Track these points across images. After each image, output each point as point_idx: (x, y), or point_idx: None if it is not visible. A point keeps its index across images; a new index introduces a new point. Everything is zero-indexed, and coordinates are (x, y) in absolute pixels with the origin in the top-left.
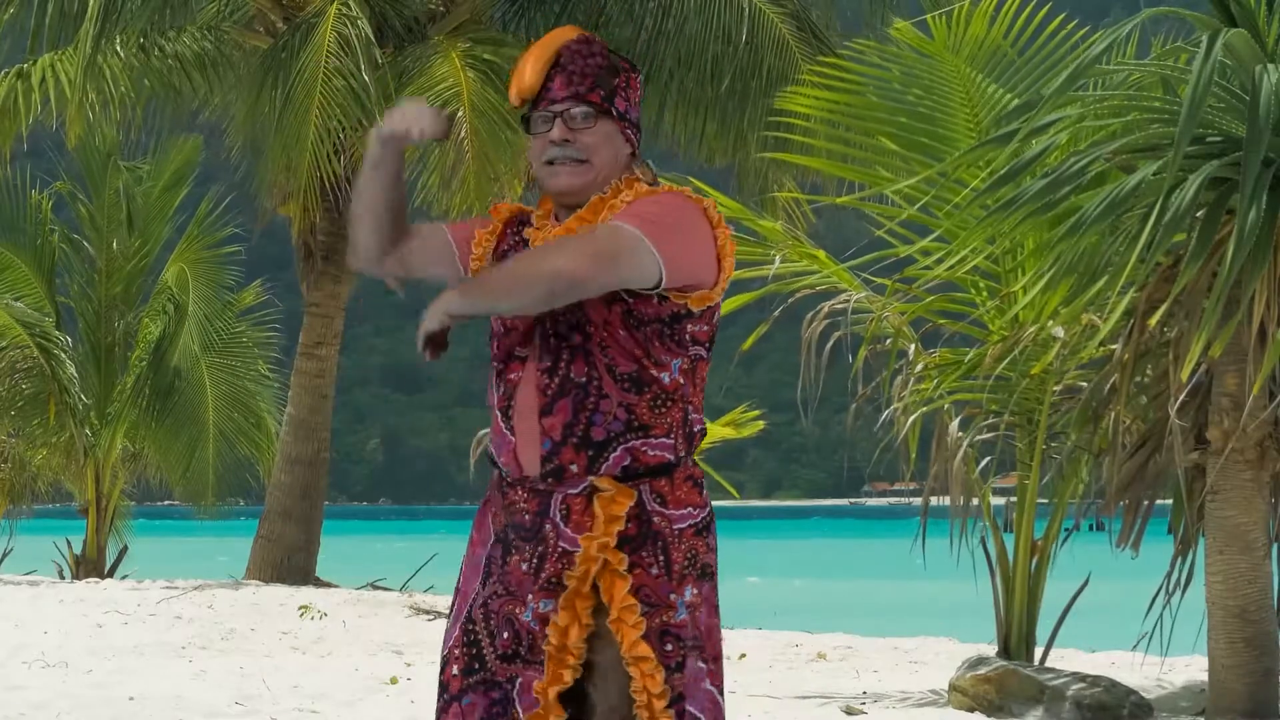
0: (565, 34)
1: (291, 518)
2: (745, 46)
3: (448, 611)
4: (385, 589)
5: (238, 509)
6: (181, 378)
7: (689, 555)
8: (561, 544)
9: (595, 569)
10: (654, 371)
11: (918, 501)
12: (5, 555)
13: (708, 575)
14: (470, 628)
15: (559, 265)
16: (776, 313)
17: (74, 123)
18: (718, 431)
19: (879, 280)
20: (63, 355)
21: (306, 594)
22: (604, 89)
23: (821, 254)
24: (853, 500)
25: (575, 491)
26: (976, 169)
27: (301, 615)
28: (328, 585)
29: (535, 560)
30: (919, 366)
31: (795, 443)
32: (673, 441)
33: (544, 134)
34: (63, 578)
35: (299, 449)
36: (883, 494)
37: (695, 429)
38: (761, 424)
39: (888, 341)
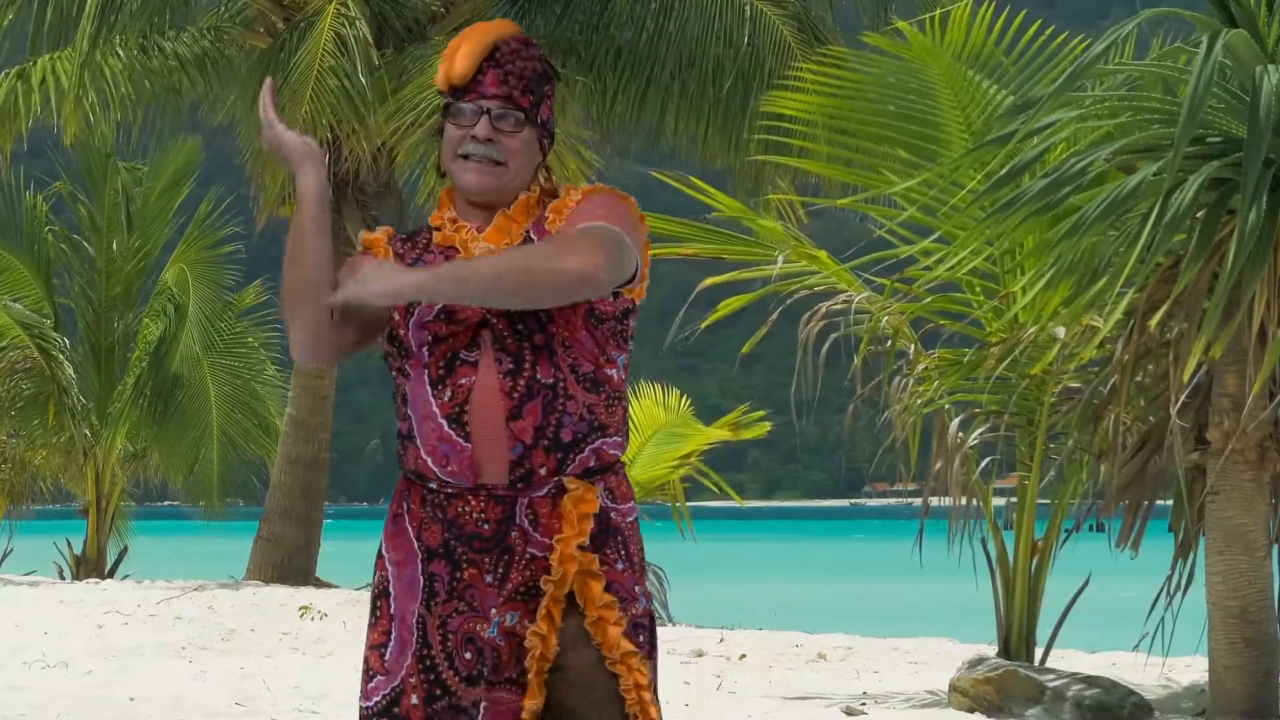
0: (504, 28)
1: (292, 518)
2: (747, 48)
3: (373, 639)
4: None
5: (239, 509)
6: (183, 379)
7: (639, 547)
8: (530, 550)
9: (574, 570)
10: (607, 370)
11: (918, 502)
12: (5, 556)
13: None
14: (426, 652)
15: (576, 266)
16: (775, 314)
17: (70, 121)
18: (719, 434)
19: (879, 280)
20: (61, 356)
21: (307, 594)
22: (534, 95)
23: (823, 254)
24: (853, 501)
25: (541, 494)
26: (973, 170)
27: (301, 616)
28: (328, 586)
29: (500, 570)
30: (919, 367)
31: (796, 443)
32: (621, 439)
33: (466, 127)
34: (63, 578)
35: (299, 450)
36: (883, 495)
37: (616, 454)
38: (767, 426)
39: (887, 343)
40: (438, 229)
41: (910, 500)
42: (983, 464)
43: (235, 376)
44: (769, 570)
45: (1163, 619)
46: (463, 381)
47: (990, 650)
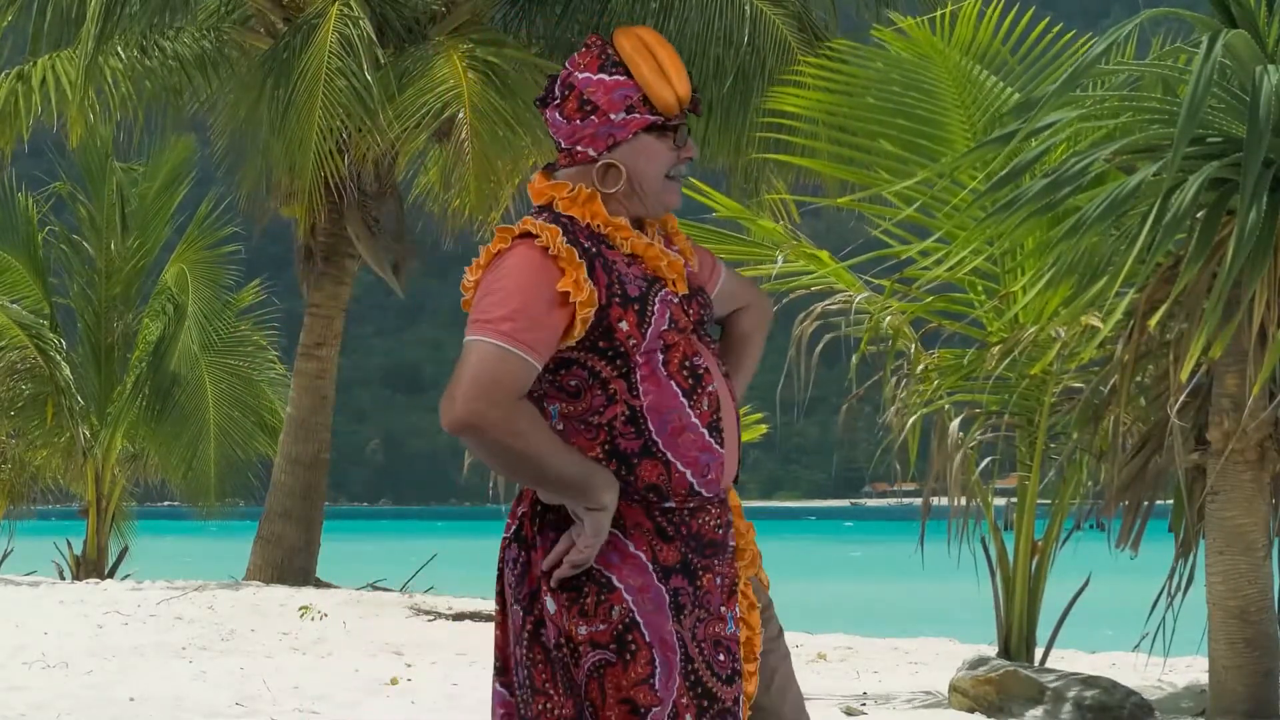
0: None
1: (292, 518)
2: (747, 48)
3: (636, 674)
4: (385, 589)
5: (238, 509)
6: (181, 378)
7: None
8: (730, 544)
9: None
10: None
11: (918, 502)
12: (5, 556)
13: None
14: (690, 668)
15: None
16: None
17: (75, 124)
18: None
19: (878, 281)
20: (58, 357)
21: (307, 594)
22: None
23: (824, 254)
24: (853, 501)
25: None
26: (974, 170)
27: (302, 616)
28: (328, 586)
29: (723, 569)
30: (919, 367)
31: (795, 444)
32: None
33: (680, 148)
34: (63, 578)
35: (299, 450)
36: (883, 495)
37: None
38: (764, 428)
39: (887, 343)
40: (610, 233)
41: (910, 500)
42: (983, 464)
43: (234, 375)
44: (769, 570)
45: (1163, 619)
46: (711, 388)
47: (990, 650)
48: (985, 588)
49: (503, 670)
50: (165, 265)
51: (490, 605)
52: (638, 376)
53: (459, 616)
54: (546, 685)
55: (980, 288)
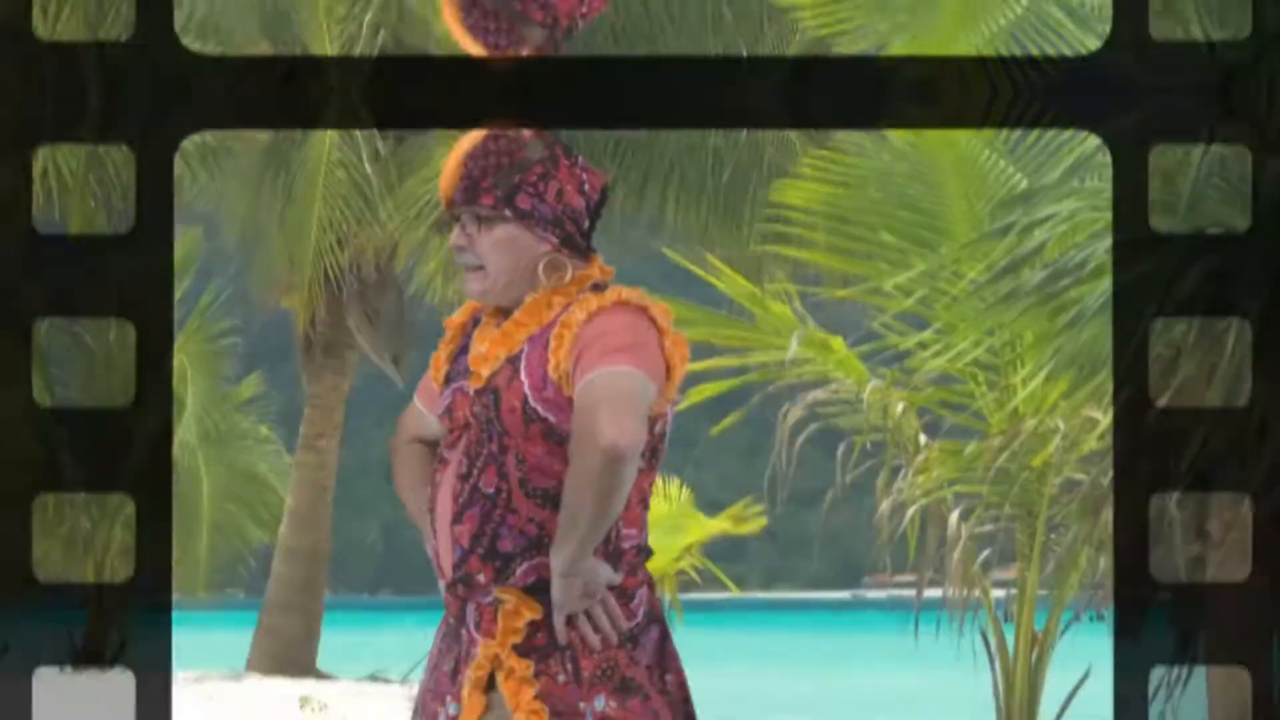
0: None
1: (292, 609)
2: (745, 140)
3: None
4: (386, 680)
5: (237, 600)
6: (179, 469)
7: (603, 666)
8: (473, 649)
9: (486, 675)
10: None
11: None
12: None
13: (630, 689)
14: None
15: (610, 443)
16: (757, 399)
17: (75, 215)
18: (717, 526)
19: (881, 371)
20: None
21: (307, 686)
22: (501, 188)
23: (837, 341)
24: (854, 593)
25: (486, 601)
26: (975, 261)
27: (302, 707)
28: (328, 677)
29: (454, 663)
30: (919, 458)
31: (795, 535)
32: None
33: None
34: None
35: (299, 541)
36: (882, 586)
37: (624, 546)
38: (763, 521)
39: (885, 433)
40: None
41: (910, 592)
42: (983, 555)
43: (230, 467)
44: (768, 661)
45: (1163, 712)
46: (437, 478)
47: None
48: (985, 679)
49: None
50: None
51: None
52: None
53: None
54: None
55: (981, 378)
